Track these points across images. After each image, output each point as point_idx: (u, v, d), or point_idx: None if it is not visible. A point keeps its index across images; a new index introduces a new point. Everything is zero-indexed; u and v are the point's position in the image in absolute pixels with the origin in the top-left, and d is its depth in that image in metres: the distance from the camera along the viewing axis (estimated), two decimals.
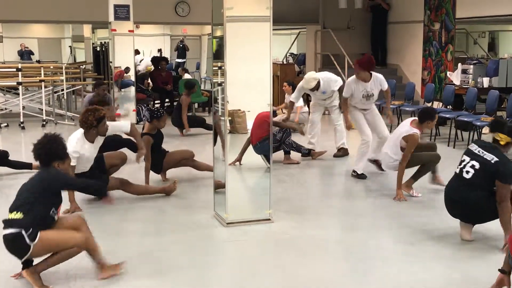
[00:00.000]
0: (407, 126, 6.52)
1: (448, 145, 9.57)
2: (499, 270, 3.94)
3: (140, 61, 18.08)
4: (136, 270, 4.44)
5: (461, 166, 5.12)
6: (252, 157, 5.87)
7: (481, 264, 4.64)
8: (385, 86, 7.58)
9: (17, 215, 4.03)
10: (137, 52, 19.34)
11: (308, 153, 8.55)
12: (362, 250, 5.02)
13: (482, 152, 5.00)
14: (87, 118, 5.84)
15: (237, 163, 5.85)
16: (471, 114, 9.79)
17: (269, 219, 5.62)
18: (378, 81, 7.50)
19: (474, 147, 5.12)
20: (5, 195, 6.49)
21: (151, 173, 6.93)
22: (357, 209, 6.30)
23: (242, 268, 4.68)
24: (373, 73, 7.52)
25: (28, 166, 7.59)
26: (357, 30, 14.98)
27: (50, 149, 4.27)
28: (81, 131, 5.98)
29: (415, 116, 7.17)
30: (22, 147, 9.93)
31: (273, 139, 7.82)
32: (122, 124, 6.62)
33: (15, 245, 4.04)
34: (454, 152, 9.05)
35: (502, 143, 5.00)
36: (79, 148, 5.87)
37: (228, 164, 5.61)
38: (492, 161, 4.89)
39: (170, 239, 5.22)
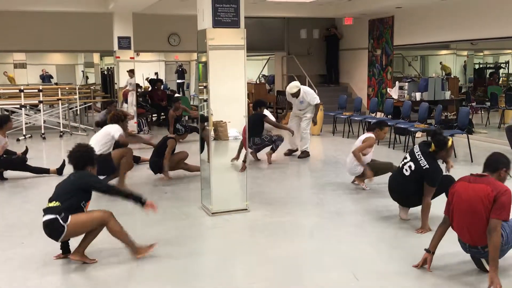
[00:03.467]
0: (363, 136, 6.60)
1: (389, 147, 9.66)
2: (425, 249, 3.93)
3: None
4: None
5: (403, 162, 5.10)
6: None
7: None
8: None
9: (55, 204, 4.01)
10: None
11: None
12: (321, 232, 5.03)
13: (420, 157, 4.91)
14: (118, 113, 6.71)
15: (235, 160, 5.88)
16: (407, 121, 9.90)
17: (246, 209, 5.61)
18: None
19: (416, 150, 5.02)
20: (32, 193, 6.39)
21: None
22: (317, 199, 6.30)
23: (224, 249, 4.64)
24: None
25: (46, 171, 7.41)
26: (315, 55, 15.07)
27: (85, 156, 4.26)
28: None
29: (366, 126, 7.05)
30: (43, 153, 9.76)
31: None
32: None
33: (52, 228, 3.99)
34: (393, 152, 9.17)
35: (431, 150, 4.90)
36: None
37: (230, 161, 5.77)
38: (424, 167, 4.85)
39: (166, 226, 5.18)
